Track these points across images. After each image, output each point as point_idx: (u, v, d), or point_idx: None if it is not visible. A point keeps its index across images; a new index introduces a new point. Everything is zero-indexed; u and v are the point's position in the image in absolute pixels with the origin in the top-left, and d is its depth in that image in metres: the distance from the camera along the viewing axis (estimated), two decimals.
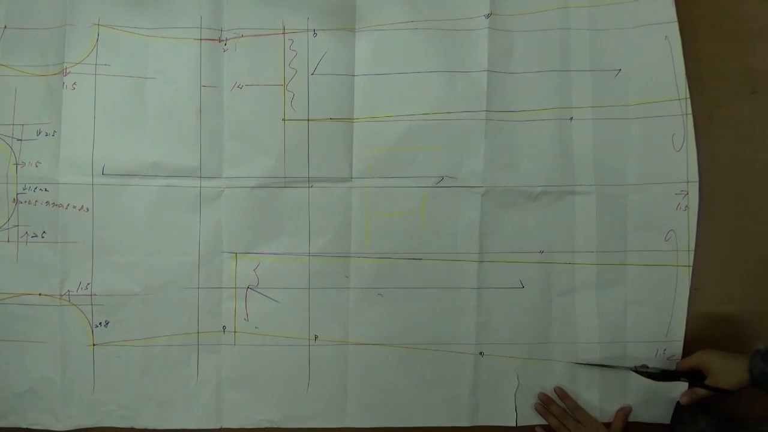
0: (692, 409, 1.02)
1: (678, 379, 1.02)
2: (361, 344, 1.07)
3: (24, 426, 1.05)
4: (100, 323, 1.05)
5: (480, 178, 1.06)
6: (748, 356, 0.91)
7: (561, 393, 1.06)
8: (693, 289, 1.05)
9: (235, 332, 1.07)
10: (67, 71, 1.04)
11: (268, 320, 1.07)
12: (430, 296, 1.07)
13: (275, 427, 1.07)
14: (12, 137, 1.05)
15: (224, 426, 1.06)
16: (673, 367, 1.03)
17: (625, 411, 1.05)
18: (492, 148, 1.06)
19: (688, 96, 1.04)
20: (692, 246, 1.04)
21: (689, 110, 1.04)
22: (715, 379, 0.96)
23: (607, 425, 1.04)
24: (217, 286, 1.07)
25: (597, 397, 1.06)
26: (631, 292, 1.06)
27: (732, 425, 0.97)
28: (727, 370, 0.95)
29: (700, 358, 0.99)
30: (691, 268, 1.04)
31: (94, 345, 1.05)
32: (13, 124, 1.05)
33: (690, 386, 1.02)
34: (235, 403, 1.06)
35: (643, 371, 1.03)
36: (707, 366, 0.98)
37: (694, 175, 1.04)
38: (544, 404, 1.06)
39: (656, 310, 1.05)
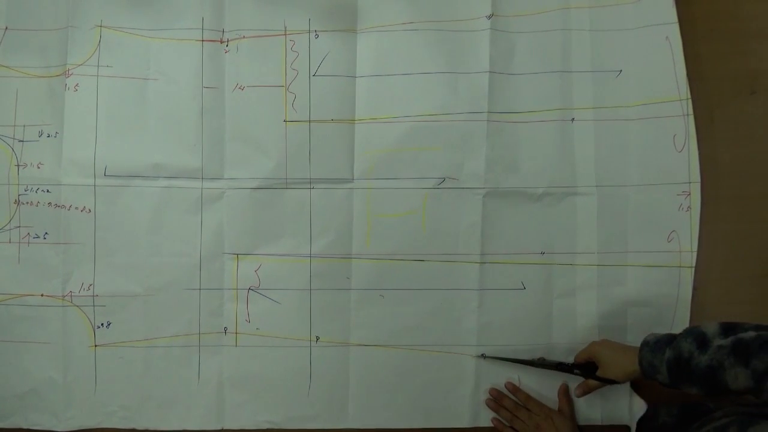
0: (653, 402, 1.02)
1: (572, 372, 1.02)
2: (363, 345, 1.07)
3: (26, 427, 1.05)
4: (102, 324, 1.05)
5: (481, 179, 1.06)
6: (638, 348, 0.91)
7: (512, 387, 1.06)
8: (694, 288, 1.05)
9: (236, 333, 1.07)
10: (70, 73, 1.04)
11: (270, 321, 1.07)
12: (432, 297, 1.07)
13: (276, 428, 1.07)
14: (14, 138, 1.05)
15: (225, 427, 1.06)
16: (570, 360, 1.04)
17: (564, 388, 1.06)
18: (493, 150, 1.06)
19: (689, 96, 1.04)
20: (695, 247, 1.04)
21: (690, 111, 1.04)
22: (605, 371, 0.97)
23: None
24: (219, 287, 1.07)
25: (598, 402, 1.07)
26: (632, 293, 1.06)
27: (693, 412, 0.96)
28: (616, 362, 0.95)
29: (592, 350, 1.00)
30: (693, 269, 1.04)
31: (95, 346, 1.05)
32: (15, 126, 1.05)
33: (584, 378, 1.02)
34: (236, 404, 1.06)
35: (540, 364, 1.04)
36: (598, 357, 0.98)
37: (696, 175, 1.04)
38: (496, 399, 1.06)
39: (658, 312, 1.05)
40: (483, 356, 1.06)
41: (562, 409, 1.04)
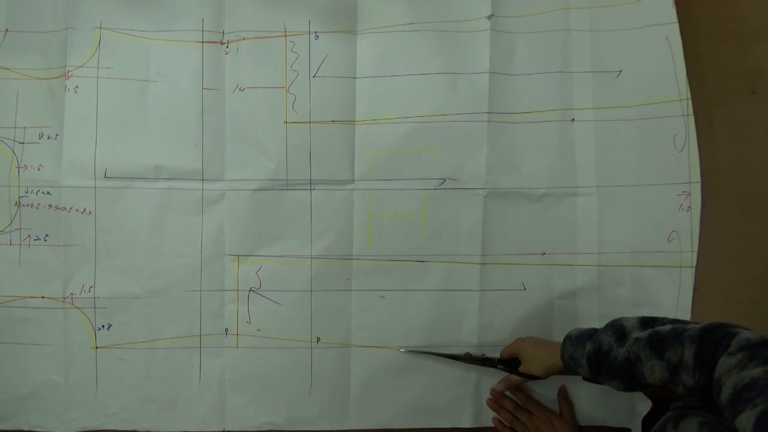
0: (657, 401, 1.02)
1: (495, 367, 1.02)
2: (364, 346, 1.07)
3: (27, 429, 1.05)
4: (103, 326, 1.05)
5: (482, 180, 1.06)
6: (561, 343, 0.92)
7: (510, 387, 1.05)
8: (694, 288, 1.04)
9: (237, 335, 1.07)
10: (70, 74, 1.04)
11: (271, 323, 1.07)
12: (432, 298, 1.07)
13: (278, 429, 1.07)
14: (14, 140, 1.05)
15: (227, 429, 1.06)
16: (496, 355, 1.04)
17: (563, 392, 1.06)
18: (494, 150, 1.06)
19: (689, 96, 1.04)
20: (695, 247, 1.04)
21: (690, 111, 1.03)
22: (527, 366, 0.97)
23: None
24: (220, 288, 1.07)
25: (600, 402, 1.07)
26: (633, 293, 1.06)
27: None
28: (537, 356, 0.95)
29: (516, 345, 1.01)
30: (694, 269, 1.03)
31: (96, 348, 1.05)
32: (15, 127, 1.05)
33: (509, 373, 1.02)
34: (237, 406, 1.06)
35: (466, 359, 1.04)
36: (521, 353, 0.99)
37: (696, 175, 1.04)
38: (496, 400, 1.06)
39: (659, 312, 1.02)
40: (402, 350, 1.07)
41: (563, 413, 1.04)
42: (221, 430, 1.06)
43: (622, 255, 1.06)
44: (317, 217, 1.07)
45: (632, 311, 1.05)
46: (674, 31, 1.04)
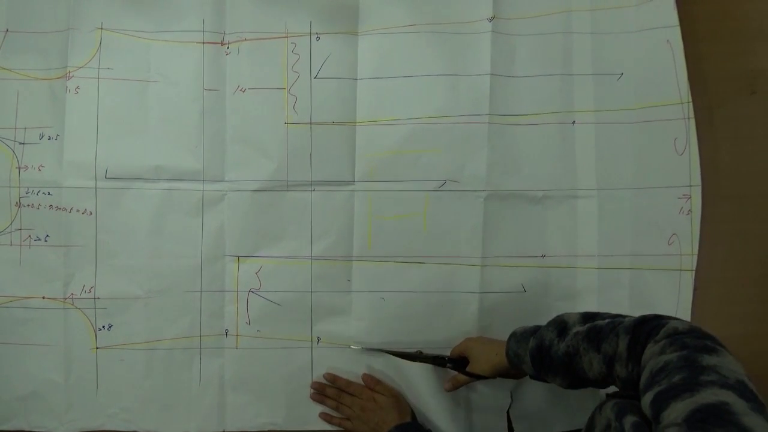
0: None
1: (445, 366, 1.02)
2: (364, 347, 1.07)
3: (27, 429, 1.05)
4: (104, 326, 1.05)
5: (483, 182, 1.06)
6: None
7: (330, 377, 1.07)
8: (694, 289, 1.04)
9: (237, 335, 1.07)
10: (71, 75, 1.04)
11: (271, 323, 1.07)
12: (432, 300, 1.07)
13: (278, 429, 1.07)
14: (14, 141, 1.05)
15: (227, 429, 1.06)
16: (447, 354, 1.04)
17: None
18: (494, 152, 1.06)
19: (690, 100, 1.03)
20: (695, 250, 1.03)
21: (691, 114, 1.03)
22: (474, 365, 0.97)
23: None
24: (220, 289, 1.07)
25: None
26: (633, 296, 1.06)
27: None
28: (484, 355, 0.96)
29: (465, 345, 1.01)
30: (694, 272, 1.03)
31: (97, 348, 1.05)
32: (16, 128, 1.05)
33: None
34: (237, 406, 1.07)
35: (417, 357, 1.04)
36: (469, 352, 0.99)
37: (697, 178, 1.03)
38: (318, 391, 1.07)
39: None
40: (354, 347, 1.07)
41: (375, 388, 1.05)
42: (221, 430, 1.06)
43: (622, 258, 1.06)
44: (317, 218, 1.07)
45: (632, 314, 1.05)
46: (675, 34, 1.03)
